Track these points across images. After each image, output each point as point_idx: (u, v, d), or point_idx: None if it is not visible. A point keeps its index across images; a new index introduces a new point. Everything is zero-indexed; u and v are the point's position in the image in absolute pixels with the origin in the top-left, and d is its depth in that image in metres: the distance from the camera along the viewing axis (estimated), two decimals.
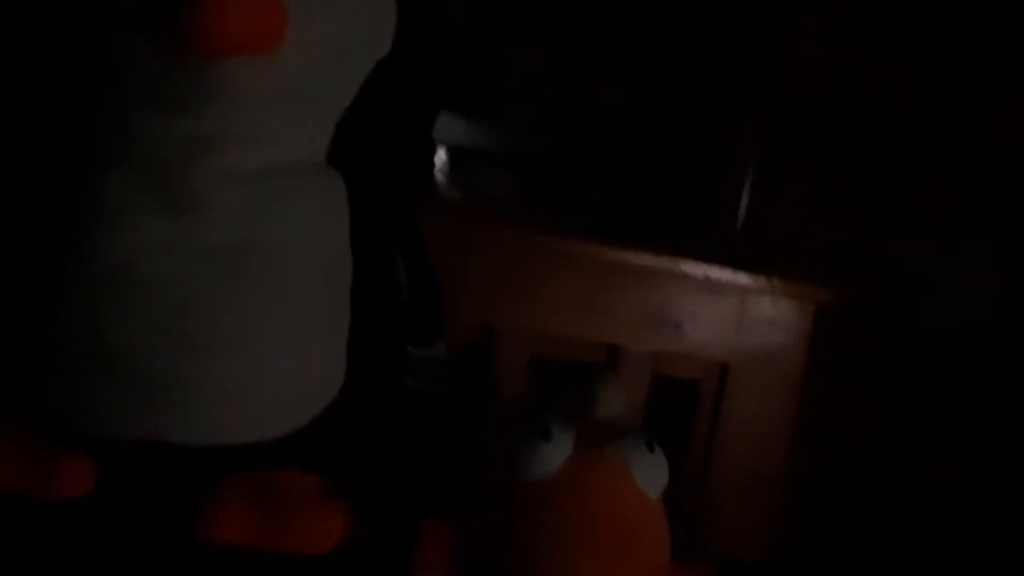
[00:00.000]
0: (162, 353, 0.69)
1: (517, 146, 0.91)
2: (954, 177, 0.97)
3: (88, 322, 0.69)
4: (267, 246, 0.71)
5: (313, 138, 0.74)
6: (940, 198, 0.97)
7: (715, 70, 0.95)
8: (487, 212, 0.88)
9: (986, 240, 0.96)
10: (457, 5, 0.83)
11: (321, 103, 0.74)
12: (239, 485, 0.72)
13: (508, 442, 0.76)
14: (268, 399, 0.72)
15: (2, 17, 0.75)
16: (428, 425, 0.80)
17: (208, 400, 0.70)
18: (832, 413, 0.92)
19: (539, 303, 0.85)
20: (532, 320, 0.85)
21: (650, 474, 0.75)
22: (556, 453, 0.75)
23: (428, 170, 0.85)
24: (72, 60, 0.73)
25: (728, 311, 0.86)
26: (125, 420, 0.71)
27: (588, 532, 0.74)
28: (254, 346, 0.71)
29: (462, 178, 0.90)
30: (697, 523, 0.82)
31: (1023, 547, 0.95)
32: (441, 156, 0.89)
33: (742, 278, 0.85)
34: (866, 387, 0.90)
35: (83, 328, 0.69)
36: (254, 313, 0.71)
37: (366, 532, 0.74)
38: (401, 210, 0.79)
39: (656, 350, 0.86)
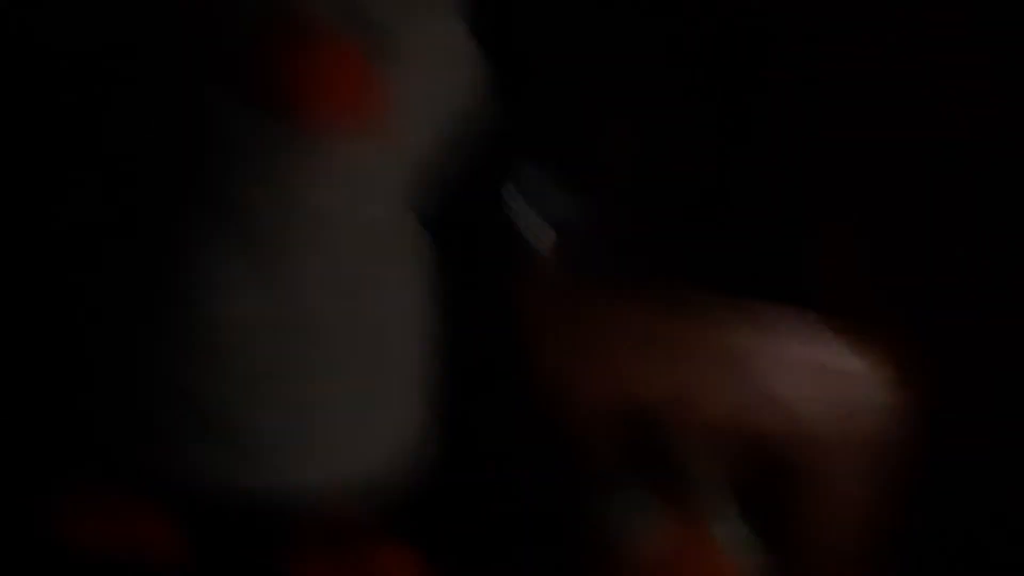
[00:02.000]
0: (247, 405, 0.70)
1: (603, 212, 0.91)
2: None
3: (178, 384, 0.71)
4: (358, 315, 0.72)
5: (404, 211, 0.76)
6: None
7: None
8: (571, 275, 0.88)
9: None
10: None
11: (413, 179, 0.75)
12: (319, 528, 0.73)
13: (605, 513, 0.75)
14: (350, 449, 0.73)
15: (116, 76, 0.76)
16: (524, 491, 0.79)
17: (288, 447, 0.72)
18: None
19: (628, 371, 0.84)
20: (619, 388, 0.84)
21: (742, 546, 0.74)
22: (646, 525, 0.74)
23: (509, 231, 0.86)
24: (176, 129, 0.74)
25: (826, 389, 0.85)
26: (213, 477, 0.72)
27: None
28: (337, 399, 0.72)
29: (543, 241, 0.90)
30: None
31: None
32: (524, 218, 0.89)
33: (827, 334, 0.84)
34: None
35: (171, 380, 0.71)
36: (338, 368, 0.72)
37: None
38: (493, 276, 0.80)
39: (748, 423, 0.85)
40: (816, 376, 0.84)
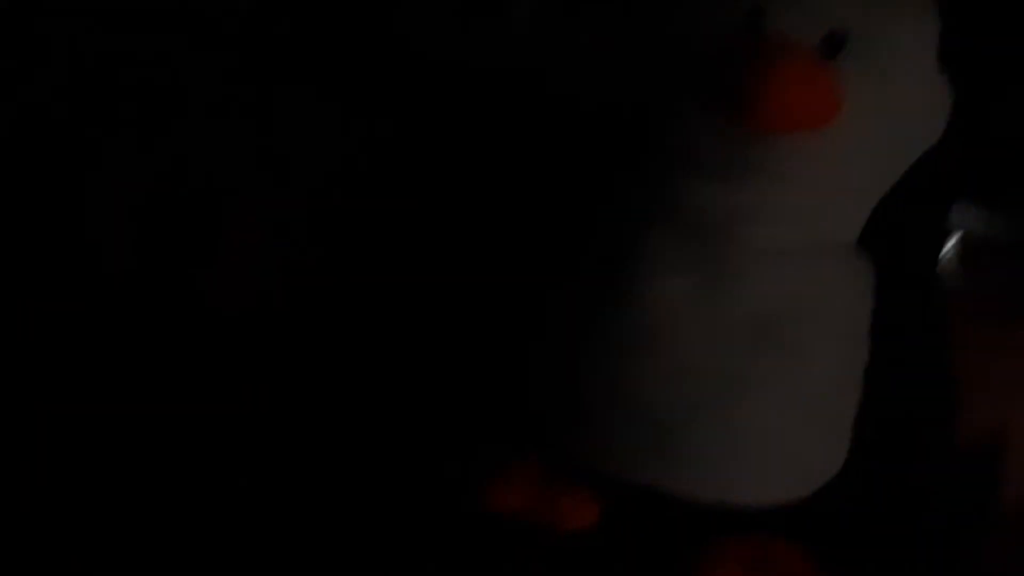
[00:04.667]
0: (678, 408, 0.72)
1: None
2: None
3: (614, 369, 0.73)
4: (792, 322, 0.73)
5: (850, 219, 0.76)
6: None
7: None
8: (1004, 307, 0.86)
9: None
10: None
11: (862, 189, 0.75)
12: (735, 548, 0.74)
13: (1016, 547, 0.74)
14: (772, 466, 0.74)
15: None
16: (931, 519, 0.79)
17: (716, 455, 0.73)
18: None
19: None
20: None
21: None
22: None
23: (935, 257, 0.85)
24: (630, 126, 0.78)
25: None
26: (634, 464, 0.74)
27: None
28: (766, 416, 0.73)
29: (976, 269, 0.88)
30: None
31: None
32: (954, 243, 0.88)
33: None
34: None
35: (608, 374, 0.73)
36: (769, 385, 0.72)
37: None
38: (927, 299, 0.79)
39: None
40: None
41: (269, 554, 0.75)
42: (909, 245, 0.79)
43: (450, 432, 0.81)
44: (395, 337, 0.88)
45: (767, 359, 0.72)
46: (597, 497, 0.75)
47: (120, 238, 0.91)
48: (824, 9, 0.71)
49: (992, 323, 0.84)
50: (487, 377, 0.81)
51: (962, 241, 0.88)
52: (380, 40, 0.92)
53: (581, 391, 0.74)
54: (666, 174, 0.74)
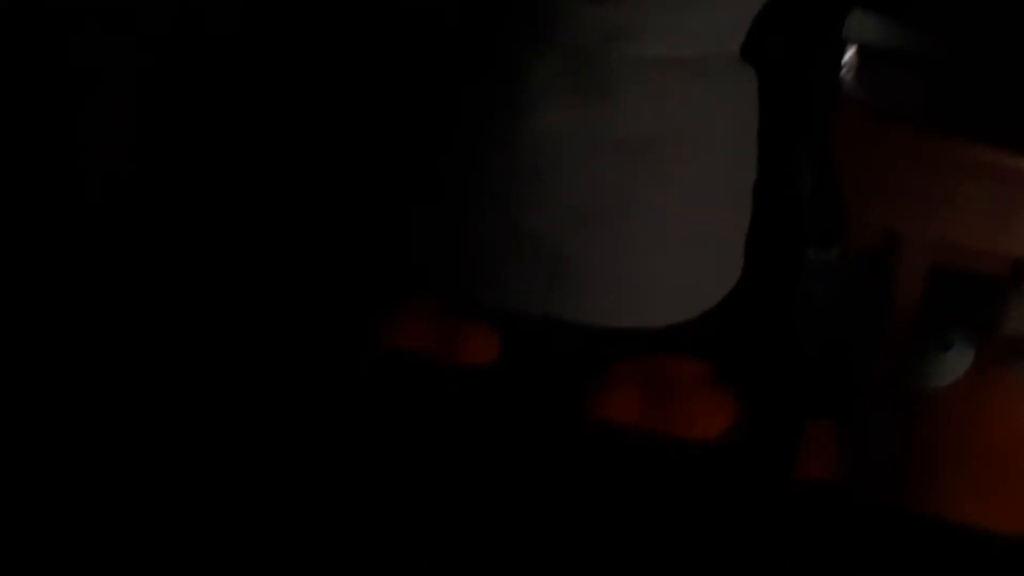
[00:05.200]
0: (565, 234, 0.72)
1: (932, 48, 0.87)
2: None
3: (502, 204, 0.73)
4: (674, 137, 0.72)
5: (729, 33, 0.74)
6: None
7: None
8: (896, 114, 0.85)
9: None
10: None
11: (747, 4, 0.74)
12: (632, 368, 0.74)
13: (905, 350, 0.73)
14: (664, 285, 0.74)
15: None
16: (818, 326, 0.78)
17: (606, 282, 0.73)
18: None
19: (946, 211, 0.82)
20: (936, 228, 0.81)
21: None
22: (955, 365, 0.72)
23: (835, 68, 0.83)
24: None
25: None
26: (527, 295, 0.74)
27: (981, 451, 0.71)
28: (653, 233, 0.72)
29: (870, 78, 0.87)
30: None
31: None
32: (850, 54, 0.86)
33: None
34: None
35: (497, 209, 0.73)
36: (655, 202, 0.72)
37: (752, 426, 0.74)
38: (811, 110, 0.78)
39: None
40: None
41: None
42: (797, 56, 0.78)
43: (348, 277, 0.81)
44: (278, 188, 0.89)
45: (650, 182, 0.72)
46: (496, 331, 0.76)
47: None
48: None
49: (887, 131, 0.82)
50: (380, 223, 0.81)
51: (859, 52, 0.86)
52: None
53: (473, 230, 0.74)
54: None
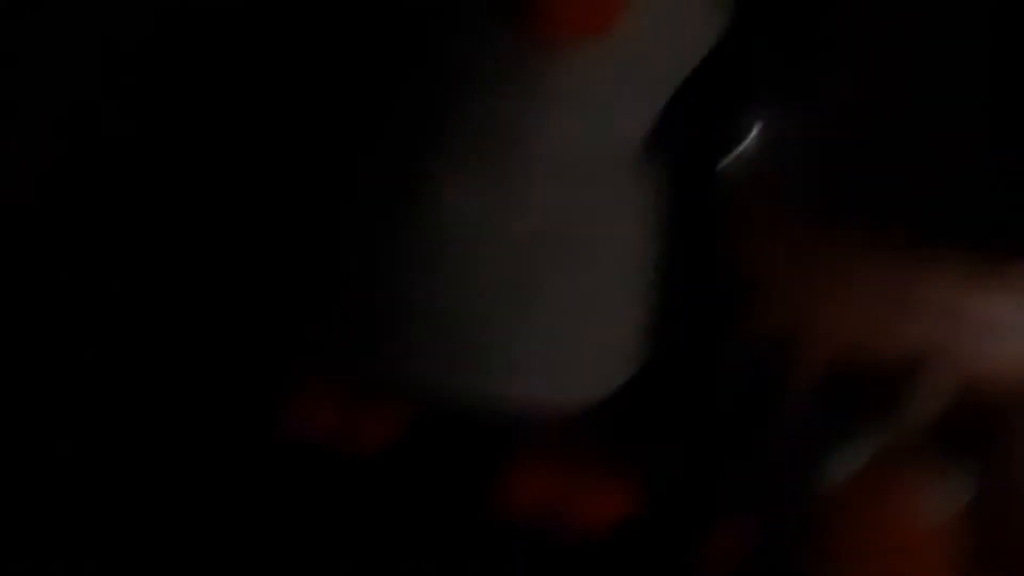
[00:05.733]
0: (468, 316, 0.73)
1: (832, 135, 0.89)
2: None
3: (405, 287, 0.73)
4: (580, 229, 0.73)
5: (635, 125, 0.75)
6: None
7: None
8: (795, 204, 0.86)
9: None
10: None
11: (647, 93, 0.75)
12: (538, 454, 0.74)
13: (804, 442, 0.74)
14: (568, 368, 0.75)
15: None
16: (725, 414, 0.79)
17: (510, 363, 0.74)
18: None
19: (844, 303, 0.82)
20: (836, 320, 0.82)
21: (945, 496, 0.73)
22: (853, 459, 0.73)
23: (730, 152, 0.84)
24: (404, 36, 0.76)
25: None
26: (431, 376, 0.74)
27: (878, 545, 0.73)
28: (556, 317, 0.73)
29: (769, 166, 0.88)
30: (990, 550, 0.79)
31: None
32: (749, 141, 0.88)
33: None
34: None
35: (400, 292, 0.73)
36: (558, 287, 0.73)
37: (655, 515, 0.75)
38: (717, 200, 0.79)
39: (965, 364, 0.82)
40: None
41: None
42: (704, 143, 0.80)
43: (237, 353, 0.79)
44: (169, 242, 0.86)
45: (556, 266, 0.73)
46: (401, 416, 0.76)
47: None
48: None
49: (787, 217, 0.83)
50: (271, 291, 0.80)
51: (759, 135, 0.87)
52: None
53: (374, 307, 0.74)
54: (443, 87, 0.73)
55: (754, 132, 0.89)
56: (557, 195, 0.73)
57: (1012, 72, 0.86)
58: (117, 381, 0.81)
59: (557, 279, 0.73)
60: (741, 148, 0.88)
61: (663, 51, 0.73)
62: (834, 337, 0.80)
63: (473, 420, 0.74)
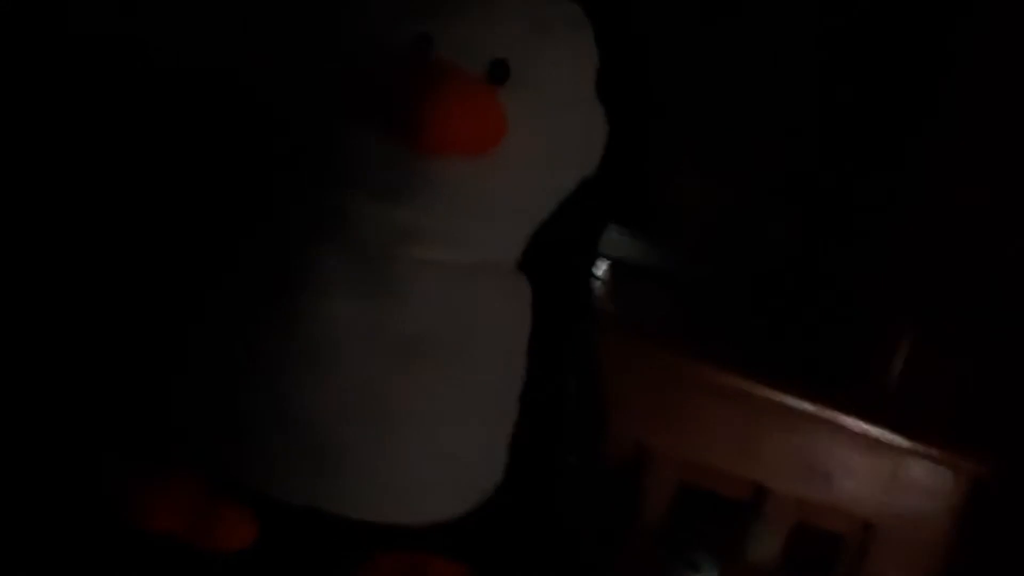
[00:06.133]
0: (337, 425, 0.71)
1: (680, 266, 0.92)
2: None
3: (273, 386, 0.71)
4: (454, 340, 0.73)
5: (511, 243, 0.77)
6: None
7: (879, 222, 0.96)
8: (646, 331, 0.88)
9: None
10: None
11: (524, 211, 0.76)
12: (388, 565, 0.72)
13: (651, 567, 0.75)
14: (430, 484, 0.74)
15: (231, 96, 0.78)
16: (574, 533, 0.79)
17: (372, 476, 0.72)
18: None
19: (691, 430, 0.85)
20: (683, 446, 0.85)
21: None
22: None
23: (588, 281, 0.86)
24: (292, 139, 0.76)
25: (880, 470, 0.86)
26: (292, 484, 0.72)
27: None
28: (425, 431, 0.72)
29: (622, 293, 0.91)
30: None
31: None
32: (604, 269, 0.90)
33: (898, 439, 0.85)
34: (1013, 570, 0.89)
35: (267, 391, 0.71)
36: (429, 400, 0.72)
37: None
38: (577, 322, 0.80)
39: (802, 497, 0.85)
40: (867, 453, 0.85)
41: None
42: (564, 270, 0.81)
43: (95, 443, 0.76)
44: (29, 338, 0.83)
45: (425, 378, 0.72)
46: (255, 515, 0.73)
47: None
48: (489, 40, 0.72)
49: (637, 347, 0.85)
50: (136, 386, 0.77)
51: (611, 267, 0.89)
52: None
53: (239, 409, 0.72)
54: (328, 190, 0.73)
55: (606, 266, 0.92)
56: (437, 301, 0.72)
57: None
58: None
59: (423, 391, 0.72)
60: (600, 277, 0.90)
61: (540, 173, 0.75)
62: (682, 461, 0.82)
63: (331, 526, 0.72)
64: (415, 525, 0.74)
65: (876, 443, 0.85)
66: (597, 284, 0.90)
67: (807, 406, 0.85)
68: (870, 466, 0.85)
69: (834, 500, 0.85)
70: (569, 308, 0.81)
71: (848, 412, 0.85)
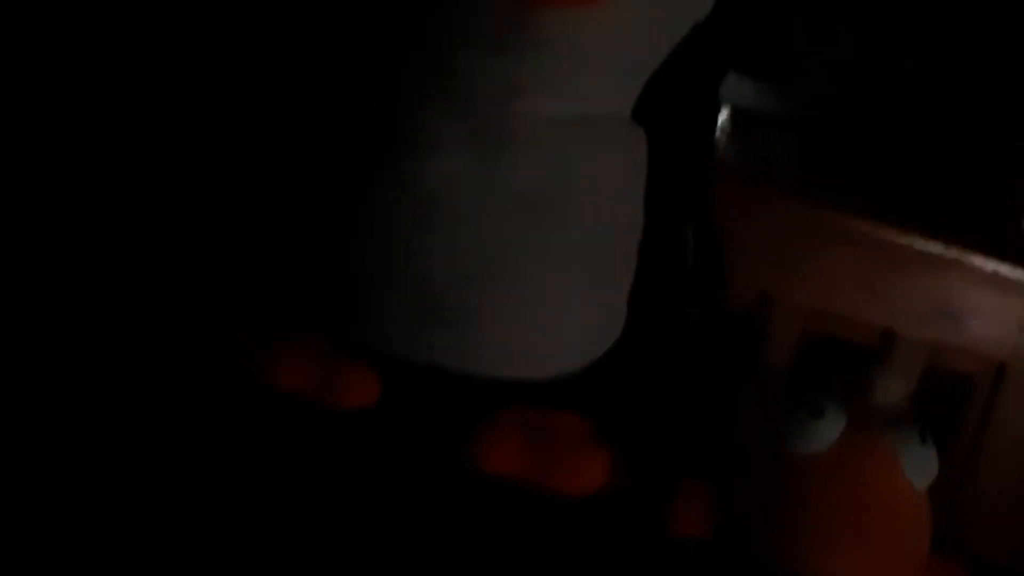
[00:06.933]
0: (455, 283, 0.72)
1: (802, 113, 0.90)
2: None
3: (390, 246, 0.72)
4: (568, 194, 0.73)
5: (624, 94, 0.76)
6: None
7: (1009, 65, 0.92)
8: (770, 178, 0.87)
9: None
10: None
11: (637, 61, 0.75)
12: (514, 419, 0.74)
13: (778, 414, 0.75)
14: (550, 340, 0.74)
15: None
16: (697, 384, 0.80)
17: (492, 333, 0.73)
18: None
19: (817, 277, 0.84)
20: (808, 293, 0.84)
21: (919, 466, 0.74)
22: (826, 432, 0.74)
23: (711, 129, 0.85)
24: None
25: (1012, 310, 0.84)
26: (414, 343, 0.73)
27: (850, 516, 0.74)
28: (542, 288, 0.73)
29: (744, 141, 0.89)
30: (957, 521, 0.81)
31: None
32: (724, 117, 0.89)
33: None
34: None
35: (384, 252, 0.73)
36: (546, 256, 0.73)
37: (628, 480, 0.75)
38: (697, 171, 0.79)
39: (932, 340, 0.84)
40: (1000, 293, 0.83)
41: None
42: (682, 118, 0.80)
43: (224, 308, 0.78)
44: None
45: (540, 232, 0.72)
46: (378, 374, 0.74)
47: None
48: None
49: (759, 194, 0.84)
50: (257, 250, 0.79)
51: (731, 114, 0.88)
52: None
53: (358, 269, 0.73)
54: (439, 44, 0.73)
55: (726, 113, 0.90)
56: (547, 157, 0.72)
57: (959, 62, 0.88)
58: (100, 335, 0.80)
59: (541, 247, 0.72)
60: (719, 126, 0.89)
61: (651, 22, 0.74)
62: (807, 308, 0.81)
63: (452, 383, 0.73)
64: (537, 379, 0.74)
65: (1008, 283, 0.83)
66: (717, 132, 0.89)
67: (936, 247, 0.83)
68: (1002, 306, 0.83)
69: (965, 342, 0.83)
70: (687, 157, 0.80)
71: (979, 252, 0.83)
